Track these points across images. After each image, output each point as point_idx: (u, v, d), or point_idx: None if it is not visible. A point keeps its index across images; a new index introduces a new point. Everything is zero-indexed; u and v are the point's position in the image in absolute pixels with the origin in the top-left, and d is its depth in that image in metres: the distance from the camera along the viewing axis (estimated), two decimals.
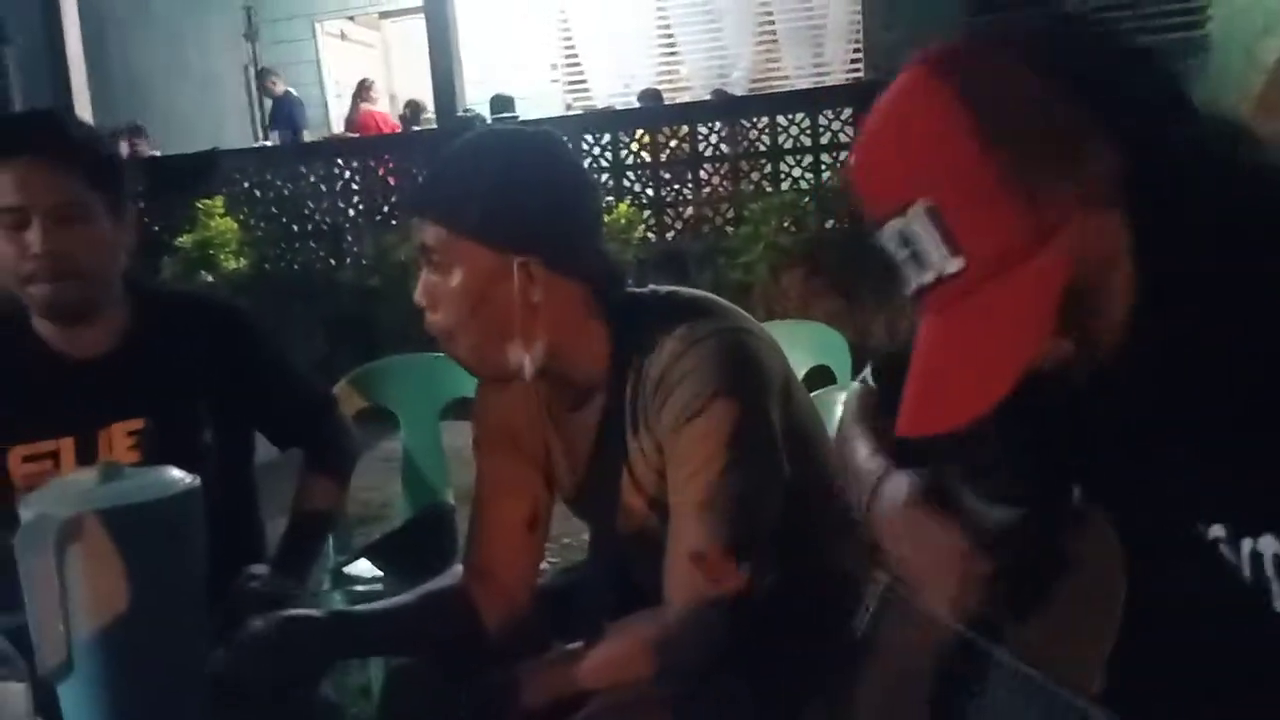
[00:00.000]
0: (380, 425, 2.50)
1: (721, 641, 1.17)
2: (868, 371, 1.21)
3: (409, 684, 1.37)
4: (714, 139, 6.82)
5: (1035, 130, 0.75)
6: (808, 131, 6.64)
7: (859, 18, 8.17)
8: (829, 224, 6.26)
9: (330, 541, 2.07)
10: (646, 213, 6.72)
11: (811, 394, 1.53)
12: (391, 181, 7.38)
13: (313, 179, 7.42)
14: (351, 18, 11.46)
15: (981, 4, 5.93)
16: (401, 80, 11.15)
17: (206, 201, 7.06)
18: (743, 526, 1.16)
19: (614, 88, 10.11)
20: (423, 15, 7.31)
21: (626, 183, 6.86)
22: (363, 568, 2.03)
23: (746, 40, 10.01)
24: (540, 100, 9.72)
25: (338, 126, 10.43)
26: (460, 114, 7.13)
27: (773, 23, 9.92)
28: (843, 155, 6.56)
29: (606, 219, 5.75)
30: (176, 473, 1.07)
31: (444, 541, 1.91)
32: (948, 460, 0.98)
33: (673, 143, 6.91)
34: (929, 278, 0.79)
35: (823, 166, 6.61)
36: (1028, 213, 0.75)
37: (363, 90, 9.89)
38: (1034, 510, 0.91)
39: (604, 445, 1.29)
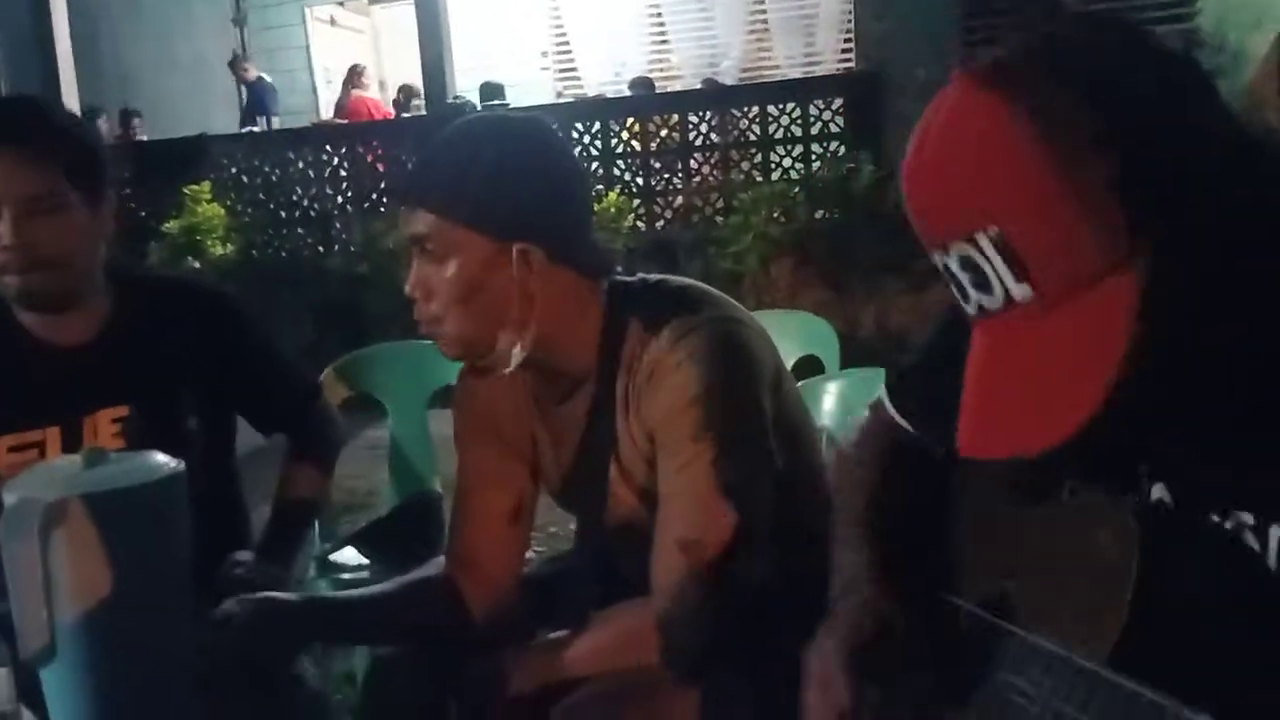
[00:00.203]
0: (365, 413, 2.49)
1: (709, 630, 1.17)
2: (882, 391, 1.18)
3: (394, 673, 1.37)
4: (704, 128, 6.82)
5: (1099, 156, 0.72)
6: (798, 121, 6.65)
7: (850, 7, 8.14)
8: (819, 214, 6.27)
9: (316, 529, 2.08)
10: (636, 201, 6.72)
11: (800, 383, 1.53)
12: (380, 168, 7.36)
13: (301, 165, 7.40)
14: (341, 3, 11.41)
15: None
16: (391, 67, 11.09)
17: (194, 187, 7.03)
18: (734, 516, 1.16)
19: (605, 76, 10.09)
20: (412, 1, 7.28)
21: (616, 171, 6.86)
22: (349, 555, 2.03)
23: (738, 29, 10.00)
24: (531, 87, 9.70)
25: (327, 112, 10.36)
26: (450, 101, 7.11)
27: (764, 12, 9.92)
28: (833, 145, 6.58)
29: (596, 207, 5.75)
30: (160, 457, 1.06)
31: (431, 530, 1.91)
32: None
33: (663, 132, 6.91)
34: (994, 305, 0.77)
35: (813, 156, 6.63)
36: (1101, 241, 0.73)
37: (354, 76, 9.82)
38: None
39: (592, 434, 1.29)
